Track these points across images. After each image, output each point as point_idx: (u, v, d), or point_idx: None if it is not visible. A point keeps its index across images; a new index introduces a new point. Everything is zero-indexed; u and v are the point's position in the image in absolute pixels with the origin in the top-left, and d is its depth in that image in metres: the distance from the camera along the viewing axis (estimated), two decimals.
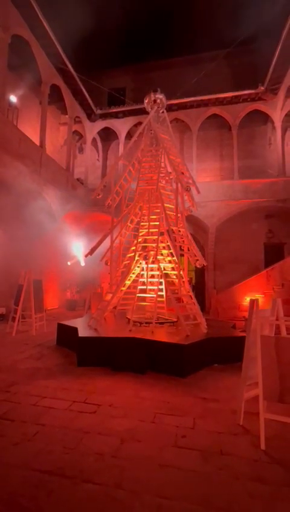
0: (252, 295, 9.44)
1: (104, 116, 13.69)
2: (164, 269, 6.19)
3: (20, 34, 8.78)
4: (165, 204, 6.23)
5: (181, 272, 5.85)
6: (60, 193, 10.72)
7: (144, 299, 6.34)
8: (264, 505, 1.79)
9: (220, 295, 10.88)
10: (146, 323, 5.52)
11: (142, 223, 6.52)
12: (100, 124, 13.79)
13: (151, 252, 6.02)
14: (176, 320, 5.67)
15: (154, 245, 5.97)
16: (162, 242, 6.22)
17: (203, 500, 1.81)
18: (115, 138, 14.13)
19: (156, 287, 5.91)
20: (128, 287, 6.57)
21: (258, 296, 9.49)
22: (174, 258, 5.95)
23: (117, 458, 2.20)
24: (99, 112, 13.50)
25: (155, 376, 4.03)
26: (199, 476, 2.02)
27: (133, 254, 6.28)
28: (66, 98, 11.89)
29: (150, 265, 6.29)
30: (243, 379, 2.79)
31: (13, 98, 10.53)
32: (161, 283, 6.22)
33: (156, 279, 6.11)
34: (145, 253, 6.15)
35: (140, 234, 6.38)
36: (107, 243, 6.37)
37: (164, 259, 6.45)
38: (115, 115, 13.57)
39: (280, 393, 2.43)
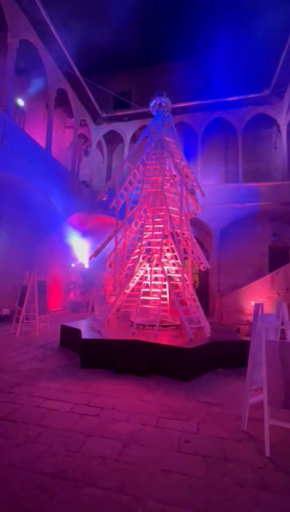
0: (257, 299, 9.38)
1: (109, 120, 13.81)
2: (168, 272, 6.18)
3: (28, 39, 8.91)
4: (170, 207, 6.23)
5: (185, 275, 5.83)
6: (65, 195, 10.79)
7: (147, 301, 6.33)
8: None
9: (224, 298, 10.82)
10: (149, 326, 5.50)
11: (146, 226, 6.53)
12: (105, 127, 13.91)
13: (155, 255, 6.02)
14: (179, 323, 5.65)
15: (158, 248, 5.97)
16: (166, 245, 6.22)
17: (207, 507, 1.78)
18: (120, 141, 14.21)
19: (159, 290, 5.89)
20: (132, 290, 6.57)
21: (263, 300, 9.42)
22: (178, 260, 5.94)
23: (120, 462, 2.18)
24: (104, 115, 13.63)
25: (158, 379, 4.00)
26: (202, 482, 1.99)
27: (137, 257, 6.28)
28: (72, 102, 12.02)
29: (153, 268, 6.29)
30: (248, 384, 2.76)
31: (20, 102, 10.66)
32: (164, 286, 6.21)
33: (160, 282, 6.10)
34: (149, 256, 6.15)
35: (144, 237, 6.39)
36: (111, 245, 6.39)
37: (167, 262, 6.44)
38: (120, 118, 13.68)
39: (284, 400, 2.39)
